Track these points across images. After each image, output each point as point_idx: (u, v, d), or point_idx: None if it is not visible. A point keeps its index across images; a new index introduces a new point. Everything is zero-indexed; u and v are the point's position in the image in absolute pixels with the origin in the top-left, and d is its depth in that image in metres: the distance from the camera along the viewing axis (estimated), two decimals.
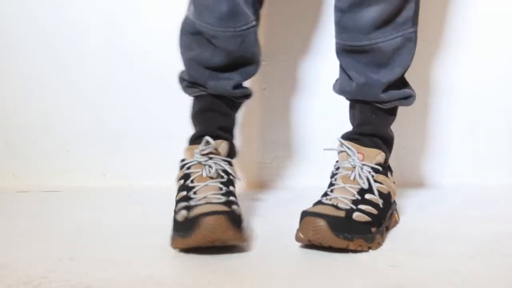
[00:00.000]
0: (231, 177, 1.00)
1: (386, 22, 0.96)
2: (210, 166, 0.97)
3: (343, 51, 1.02)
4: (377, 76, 1.00)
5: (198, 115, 1.07)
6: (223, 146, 1.04)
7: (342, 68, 1.05)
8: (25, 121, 1.46)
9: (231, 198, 0.94)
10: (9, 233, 1.03)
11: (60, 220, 1.13)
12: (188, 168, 0.98)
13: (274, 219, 1.12)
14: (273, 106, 1.44)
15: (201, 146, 0.99)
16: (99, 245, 0.94)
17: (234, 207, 0.92)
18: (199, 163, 0.98)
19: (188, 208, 0.90)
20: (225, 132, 1.06)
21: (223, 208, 0.88)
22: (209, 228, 0.83)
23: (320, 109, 1.45)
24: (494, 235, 1.00)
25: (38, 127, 1.46)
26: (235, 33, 1.00)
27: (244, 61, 1.04)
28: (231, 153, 1.07)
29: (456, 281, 0.77)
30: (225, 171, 0.99)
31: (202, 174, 0.96)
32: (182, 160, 1.02)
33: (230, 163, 1.03)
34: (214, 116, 1.05)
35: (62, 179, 1.45)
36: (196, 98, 1.08)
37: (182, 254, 0.89)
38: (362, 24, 0.96)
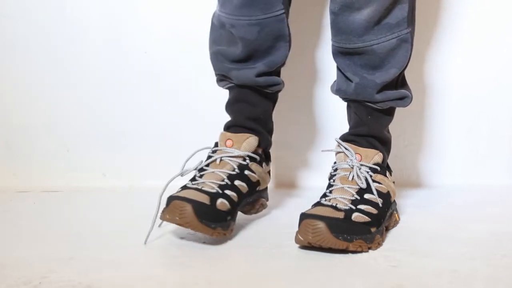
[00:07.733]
0: (246, 172, 1.01)
1: (378, 23, 0.97)
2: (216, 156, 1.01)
3: (338, 52, 1.02)
4: (372, 77, 1.00)
5: (229, 106, 1.09)
6: (248, 141, 1.04)
7: (338, 69, 1.05)
8: (25, 121, 1.46)
9: (227, 191, 0.95)
10: (9, 233, 1.03)
11: (60, 220, 1.13)
12: (214, 152, 1.03)
13: (273, 219, 1.12)
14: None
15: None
16: (99, 245, 0.94)
17: (220, 200, 0.93)
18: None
19: (184, 187, 0.96)
20: (254, 122, 1.07)
21: (199, 197, 0.91)
22: (173, 211, 0.90)
23: (320, 109, 1.45)
24: (494, 235, 1.00)
25: (38, 127, 1.46)
26: (251, 22, 1.01)
27: (265, 51, 1.05)
28: (262, 146, 1.07)
29: (456, 281, 0.77)
30: (240, 165, 1.01)
31: (216, 161, 1.00)
32: (216, 144, 1.05)
33: (253, 159, 1.03)
34: (242, 107, 1.07)
35: (62, 179, 1.45)
36: (228, 90, 1.10)
37: (183, 254, 0.89)
38: (354, 27, 0.97)
